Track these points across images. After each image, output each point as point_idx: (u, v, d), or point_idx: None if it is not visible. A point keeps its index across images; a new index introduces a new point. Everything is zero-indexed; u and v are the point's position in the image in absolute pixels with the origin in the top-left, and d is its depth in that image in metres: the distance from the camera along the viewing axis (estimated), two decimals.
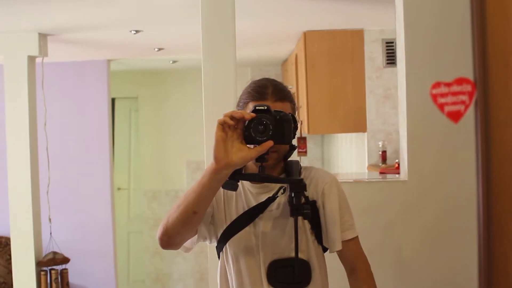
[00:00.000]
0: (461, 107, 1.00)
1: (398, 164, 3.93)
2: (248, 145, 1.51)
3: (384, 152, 4.43)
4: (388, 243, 2.92)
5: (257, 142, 1.51)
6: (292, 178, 1.68)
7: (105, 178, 6.03)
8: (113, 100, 7.23)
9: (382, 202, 2.93)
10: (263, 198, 1.74)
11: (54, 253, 4.44)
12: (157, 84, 7.65)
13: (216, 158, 1.48)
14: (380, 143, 4.47)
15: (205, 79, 2.94)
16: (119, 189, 7.69)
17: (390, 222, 2.93)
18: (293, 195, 1.61)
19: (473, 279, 2.83)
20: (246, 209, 1.76)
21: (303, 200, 1.63)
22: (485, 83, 0.92)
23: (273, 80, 1.76)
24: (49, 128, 4.63)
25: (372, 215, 2.92)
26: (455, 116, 1.04)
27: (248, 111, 1.56)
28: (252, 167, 1.72)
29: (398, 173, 3.72)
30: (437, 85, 1.02)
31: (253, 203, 1.76)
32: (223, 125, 1.48)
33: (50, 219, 4.53)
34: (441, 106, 1.02)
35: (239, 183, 1.73)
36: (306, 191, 1.64)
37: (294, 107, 1.76)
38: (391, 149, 4.49)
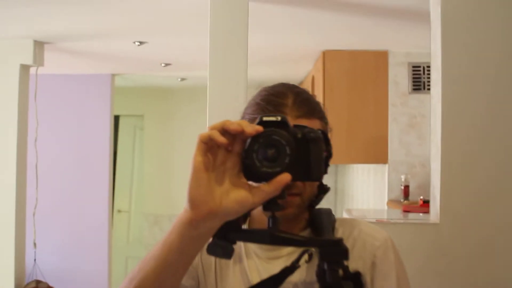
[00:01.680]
0: None
1: (423, 202, 3.56)
2: (249, 181, 0.89)
3: (406, 187, 4.02)
4: None
5: (264, 176, 0.88)
6: (326, 239, 1.10)
7: (103, 199, 5.65)
8: (117, 118, 6.88)
9: (410, 247, 2.54)
10: (277, 267, 1.13)
11: (37, 281, 4.05)
12: (164, 102, 7.30)
13: (193, 201, 0.85)
14: (403, 177, 4.06)
15: (211, 99, 2.58)
16: (119, 211, 7.29)
17: (418, 270, 2.53)
18: (325, 266, 1.04)
19: None
20: (251, 284, 1.15)
21: (341, 272, 1.04)
22: None
23: (295, 87, 1.21)
24: (42, 144, 4.26)
25: None
26: None
27: None
28: (261, 218, 1.18)
29: (424, 212, 3.35)
30: None
31: (262, 274, 1.17)
32: (207, 145, 0.85)
33: (35, 244, 4.14)
34: None
35: (238, 245, 1.16)
36: (347, 259, 1.05)
37: (326, 128, 1.24)
38: (415, 184, 4.08)
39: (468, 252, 2.52)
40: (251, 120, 1.14)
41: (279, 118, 0.89)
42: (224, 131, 0.84)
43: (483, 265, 2.51)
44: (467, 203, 2.53)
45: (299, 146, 0.89)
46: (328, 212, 1.20)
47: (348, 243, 1.12)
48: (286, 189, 0.88)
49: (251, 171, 0.88)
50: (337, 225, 1.20)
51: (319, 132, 0.93)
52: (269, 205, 0.90)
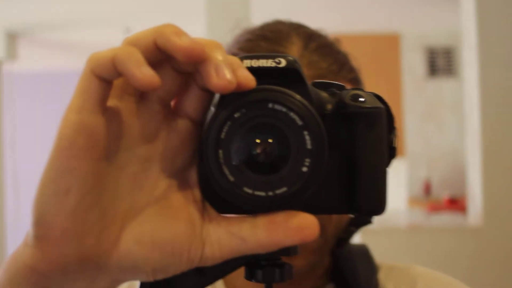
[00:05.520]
0: None
1: (450, 200, 3.21)
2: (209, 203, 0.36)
3: (427, 183, 3.65)
4: None
5: (243, 203, 0.34)
6: None
7: None
8: None
9: (448, 256, 2.24)
10: None
11: None
12: None
13: (48, 228, 0.32)
14: (423, 172, 3.68)
15: None
16: None
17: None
18: None
19: None
20: None
21: None
22: None
23: (301, 26, 0.66)
24: (22, 149, 3.87)
25: None
26: None
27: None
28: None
29: (452, 211, 3.02)
30: None
31: None
32: (106, 83, 0.32)
33: None
34: None
35: None
36: None
37: None
38: (436, 179, 3.70)
39: None
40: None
41: (281, 62, 0.35)
42: (158, 50, 0.32)
43: None
44: None
45: (333, 133, 0.37)
46: (363, 252, 0.69)
47: None
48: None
49: (208, 186, 0.35)
50: (382, 276, 0.67)
51: (376, 99, 0.39)
52: (257, 270, 0.39)
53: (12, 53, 3.63)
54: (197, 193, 0.35)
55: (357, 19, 3.67)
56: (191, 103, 0.34)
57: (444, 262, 2.19)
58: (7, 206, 3.75)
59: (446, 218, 2.71)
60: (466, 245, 2.23)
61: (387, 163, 0.38)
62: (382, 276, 0.67)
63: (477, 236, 2.22)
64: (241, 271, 0.40)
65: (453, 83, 3.74)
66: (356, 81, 0.63)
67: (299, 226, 0.33)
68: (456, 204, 3.08)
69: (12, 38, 3.66)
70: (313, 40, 0.62)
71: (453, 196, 3.26)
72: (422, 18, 3.64)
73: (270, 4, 3.16)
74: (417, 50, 3.90)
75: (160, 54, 0.32)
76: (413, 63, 3.90)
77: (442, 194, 3.49)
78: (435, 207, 3.16)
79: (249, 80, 0.32)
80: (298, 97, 0.33)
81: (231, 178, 0.33)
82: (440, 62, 3.85)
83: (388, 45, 3.91)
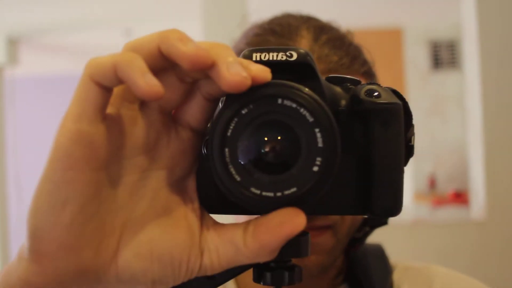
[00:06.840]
0: None
1: (455, 194, 3.20)
2: (208, 211, 0.36)
3: (432, 177, 3.62)
4: None
5: (250, 204, 0.33)
6: None
7: None
8: None
9: (452, 251, 2.23)
10: None
11: None
12: None
13: (42, 242, 0.31)
14: (428, 166, 3.66)
15: None
16: None
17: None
18: None
19: None
20: None
21: None
22: None
23: (311, 18, 0.63)
24: (25, 155, 3.87)
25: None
26: None
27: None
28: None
29: (457, 204, 3.01)
30: None
31: None
32: (105, 91, 0.31)
33: None
34: None
35: None
36: None
37: None
38: (443, 174, 3.67)
39: None
40: None
41: (293, 56, 0.33)
42: (162, 57, 0.31)
43: None
44: None
45: (346, 130, 0.35)
46: (378, 252, 0.67)
47: None
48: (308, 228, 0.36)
49: (212, 188, 0.35)
50: (397, 276, 0.66)
51: (393, 94, 0.37)
52: (266, 273, 0.37)
53: (13, 58, 3.64)
54: (195, 202, 0.35)
55: (359, 14, 3.65)
56: (193, 112, 0.33)
57: (447, 256, 2.18)
58: (10, 211, 3.76)
59: (450, 213, 2.70)
60: (469, 239, 2.21)
61: (404, 162, 0.37)
62: (397, 277, 0.66)
63: (480, 230, 2.20)
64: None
65: (457, 76, 3.71)
66: (369, 75, 0.62)
67: (280, 222, 0.31)
68: (461, 198, 3.07)
69: (13, 43, 3.67)
70: (323, 33, 0.60)
71: (458, 190, 3.24)
72: (424, 11, 3.61)
73: (268, 3, 3.16)
74: (421, 43, 3.88)
75: (163, 61, 0.30)
76: (416, 57, 3.87)
77: (447, 188, 3.47)
78: (440, 201, 3.14)
79: (265, 72, 0.31)
80: (309, 92, 0.32)
81: (238, 178, 0.32)
82: (444, 55, 3.82)
83: (391, 39, 3.88)
